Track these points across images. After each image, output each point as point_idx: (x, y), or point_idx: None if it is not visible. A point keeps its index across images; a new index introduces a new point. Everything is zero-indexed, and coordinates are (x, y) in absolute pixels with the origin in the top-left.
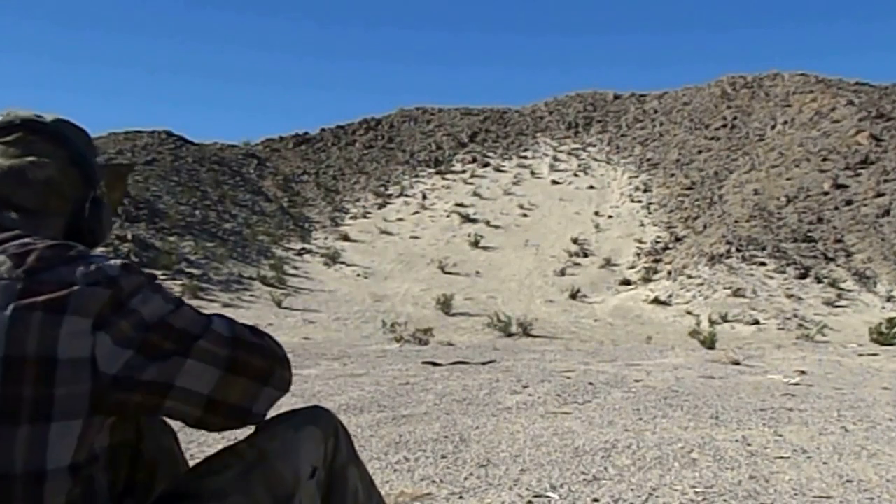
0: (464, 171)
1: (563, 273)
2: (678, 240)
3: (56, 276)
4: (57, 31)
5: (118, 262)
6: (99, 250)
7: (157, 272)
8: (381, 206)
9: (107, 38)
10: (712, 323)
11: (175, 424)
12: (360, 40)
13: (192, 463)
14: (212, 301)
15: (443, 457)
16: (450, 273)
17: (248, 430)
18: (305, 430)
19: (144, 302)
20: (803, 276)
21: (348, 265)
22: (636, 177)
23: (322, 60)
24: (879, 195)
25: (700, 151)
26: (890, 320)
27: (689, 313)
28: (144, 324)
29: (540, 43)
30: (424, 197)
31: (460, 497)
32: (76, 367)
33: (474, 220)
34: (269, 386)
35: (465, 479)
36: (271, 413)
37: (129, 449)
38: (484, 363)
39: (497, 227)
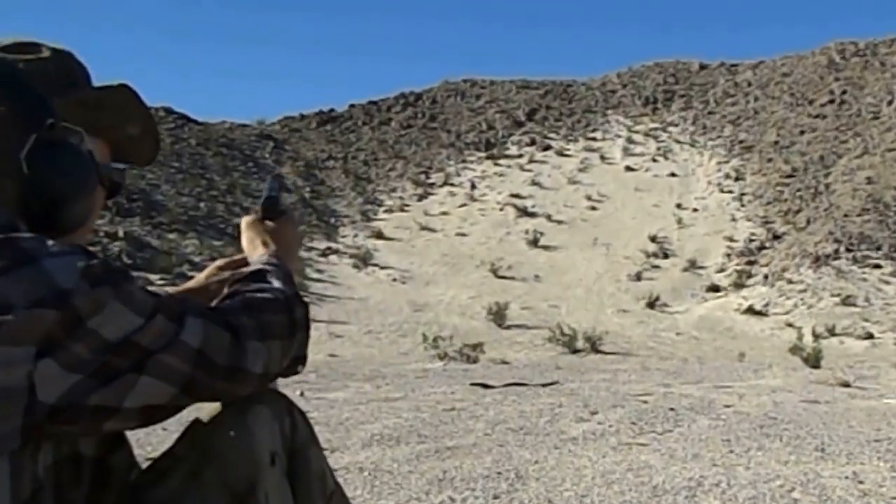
0: (520, 156)
1: (638, 277)
2: (776, 238)
3: None
4: None
5: (79, 262)
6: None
7: (154, 276)
8: (421, 198)
9: None
10: (817, 337)
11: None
12: None
13: None
14: None
15: (495, 497)
16: (503, 277)
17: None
18: (252, 412)
19: (108, 320)
20: None
21: (382, 268)
22: (726, 162)
23: (352, 21)
24: None
25: (803, 132)
26: None
27: (790, 325)
28: (106, 346)
29: (612, 2)
30: (473, 186)
31: None
32: (6, 399)
33: (533, 215)
34: None
35: None
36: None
37: (91, 463)
38: (544, 385)
39: (560, 222)
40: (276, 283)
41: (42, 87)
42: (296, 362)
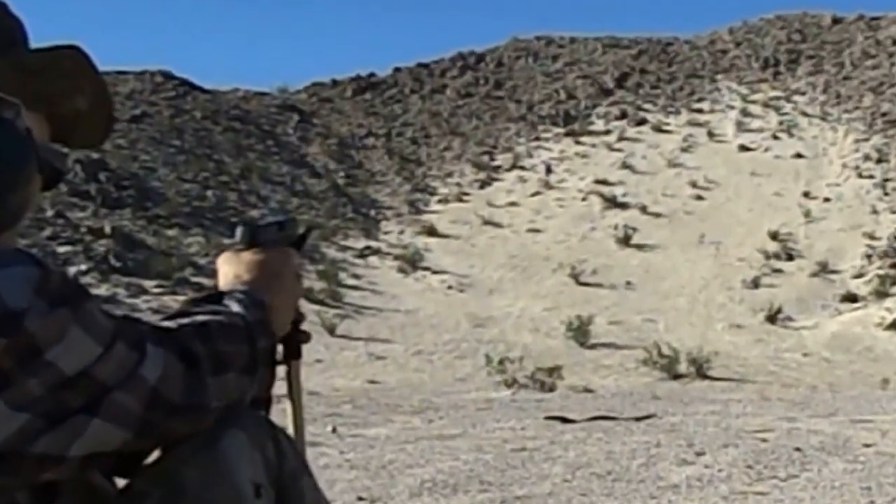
0: (608, 132)
1: (756, 284)
2: None
3: None
4: None
5: (30, 275)
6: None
7: (149, 283)
8: (484, 185)
9: None
10: None
11: None
12: None
13: None
14: None
15: None
16: (587, 284)
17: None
18: (227, 438)
19: (68, 350)
20: None
21: (435, 272)
22: (866, 140)
23: None
24: None
25: None
26: None
27: None
28: (62, 381)
29: None
30: (549, 170)
31: None
32: None
33: (623, 206)
34: None
35: None
36: None
37: (80, 487)
38: (638, 419)
39: (658, 215)
40: (236, 308)
41: None
42: (256, 405)
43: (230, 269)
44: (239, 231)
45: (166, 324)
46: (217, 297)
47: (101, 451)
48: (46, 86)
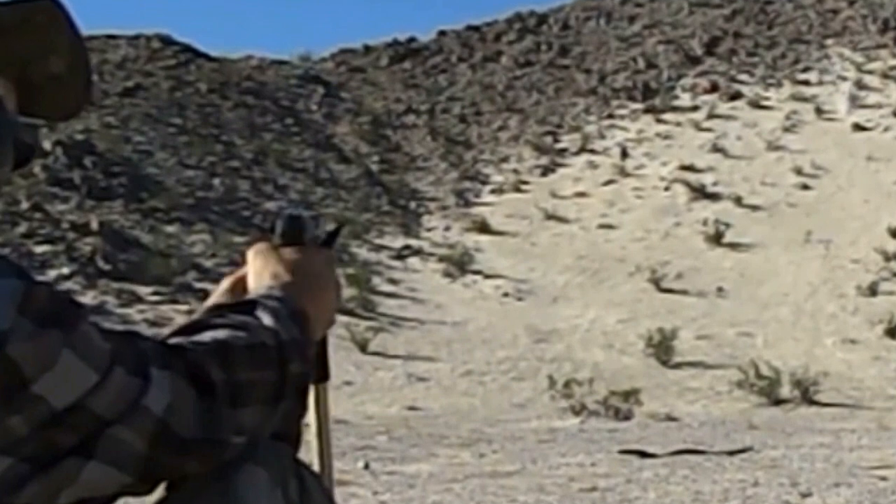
0: (695, 108)
1: (873, 291)
2: None
3: None
4: None
5: (12, 286)
6: None
7: (145, 290)
8: (546, 171)
9: None
10: None
11: None
12: None
13: None
14: None
15: None
16: (669, 291)
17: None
18: (243, 475)
19: (60, 379)
20: None
21: (487, 276)
22: None
23: None
24: None
25: None
26: None
27: None
28: (52, 417)
29: None
30: (625, 154)
31: None
32: None
33: (714, 197)
34: None
35: None
36: None
37: None
38: (731, 453)
39: (755, 207)
40: (268, 320)
41: None
42: (279, 439)
43: (265, 267)
44: (280, 223)
45: (175, 340)
46: (248, 306)
47: (93, 497)
48: (16, 46)
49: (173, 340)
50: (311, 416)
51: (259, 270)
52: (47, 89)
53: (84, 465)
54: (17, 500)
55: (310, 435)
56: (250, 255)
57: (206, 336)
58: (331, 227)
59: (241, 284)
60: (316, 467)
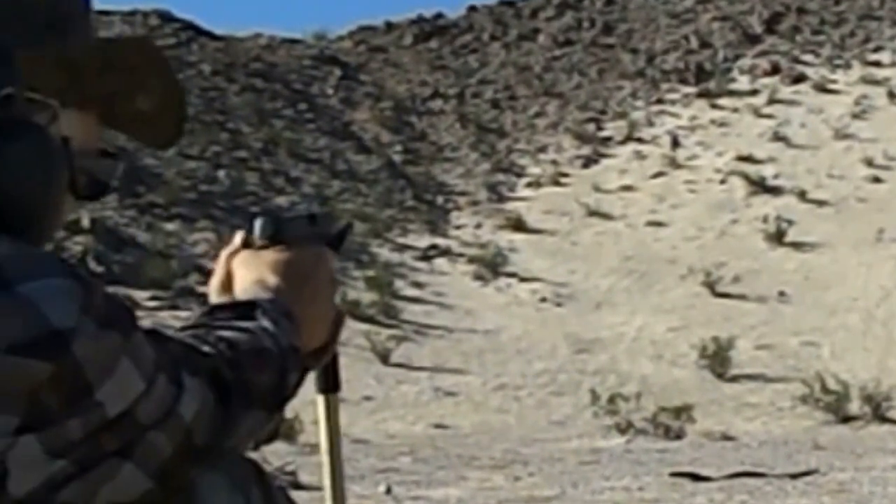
0: (754, 92)
1: None
2: None
3: None
4: None
5: (72, 288)
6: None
7: (142, 295)
8: (588, 163)
9: None
10: None
11: None
12: None
13: None
14: None
15: None
16: (726, 296)
17: None
18: (204, 482)
19: (118, 387)
20: None
21: (523, 279)
22: None
23: None
24: None
25: None
26: None
27: None
28: (105, 422)
29: None
30: (676, 143)
31: None
32: None
33: (775, 191)
34: None
35: None
36: None
37: None
38: (795, 476)
39: (821, 202)
40: (266, 323)
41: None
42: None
43: (249, 273)
44: (258, 223)
45: (190, 342)
46: (247, 308)
47: (119, 502)
48: (100, 86)
49: (191, 342)
50: (321, 432)
51: (243, 276)
52: (133, 125)
53: (121, 466)
54: (60, 496)
55: (320, 453)
56: (234, 263)
57: (214, 336)
58: (339, 226)
59: (228, 283)
60: (327, 491)
